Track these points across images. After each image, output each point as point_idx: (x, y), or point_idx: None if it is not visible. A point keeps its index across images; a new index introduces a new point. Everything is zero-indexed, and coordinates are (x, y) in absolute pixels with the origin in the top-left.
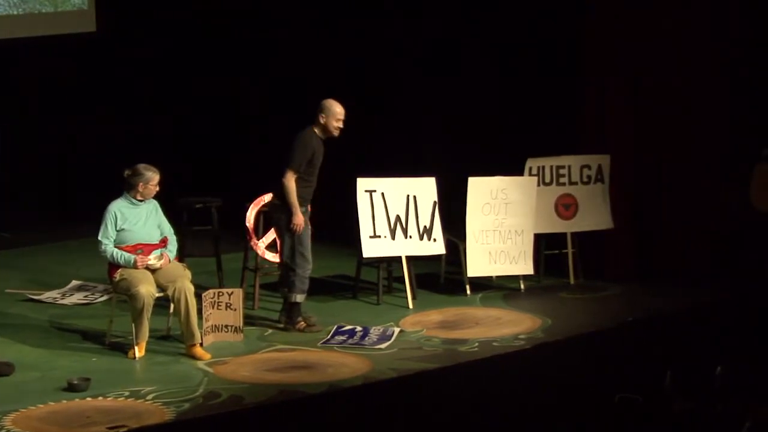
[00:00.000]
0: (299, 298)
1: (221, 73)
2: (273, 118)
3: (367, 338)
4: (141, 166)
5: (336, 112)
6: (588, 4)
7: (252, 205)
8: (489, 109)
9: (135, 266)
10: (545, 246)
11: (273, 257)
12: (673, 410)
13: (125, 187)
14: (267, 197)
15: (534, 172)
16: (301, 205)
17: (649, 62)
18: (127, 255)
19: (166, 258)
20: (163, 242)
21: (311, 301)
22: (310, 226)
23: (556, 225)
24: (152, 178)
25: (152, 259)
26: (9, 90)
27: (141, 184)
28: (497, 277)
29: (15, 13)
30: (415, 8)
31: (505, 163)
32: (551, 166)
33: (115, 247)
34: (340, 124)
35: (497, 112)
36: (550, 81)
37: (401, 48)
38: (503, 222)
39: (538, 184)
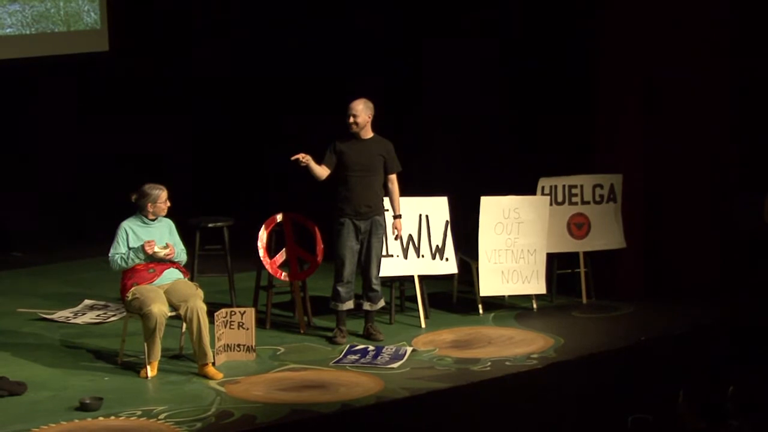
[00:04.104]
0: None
1: (232, 93)
2: (286, 138)
3: (379, 357)
4: (146, 187)
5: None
6: (600, 24)
7: (264, 225)
8: (501, 129)
9: (144, 252)
10: (557, 265)
11: (285, 276)
12: (686, 430)
13: (137, 208)
14: (279, 217)
15: (546, 191)
16: (342, 215)
17: (660, 82)
18: (133, 249)
19: (171, 249)
20: (176, 264)
21: (325, 320)
22: (348, 240)
23: (568, 244)
24: (159, 195)
25: (158, 247)
26: (23, 109)
27: (149, 204)
28: (510, 296)
29: (28, 32)
30: (433, 27)
31: (517, 182)
32: (564, 186)
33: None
34: (349, 119)
35: (509, 132)
36: (563, 101)
37: (415, 66)
38: (516, 241)
39: (551, 204)
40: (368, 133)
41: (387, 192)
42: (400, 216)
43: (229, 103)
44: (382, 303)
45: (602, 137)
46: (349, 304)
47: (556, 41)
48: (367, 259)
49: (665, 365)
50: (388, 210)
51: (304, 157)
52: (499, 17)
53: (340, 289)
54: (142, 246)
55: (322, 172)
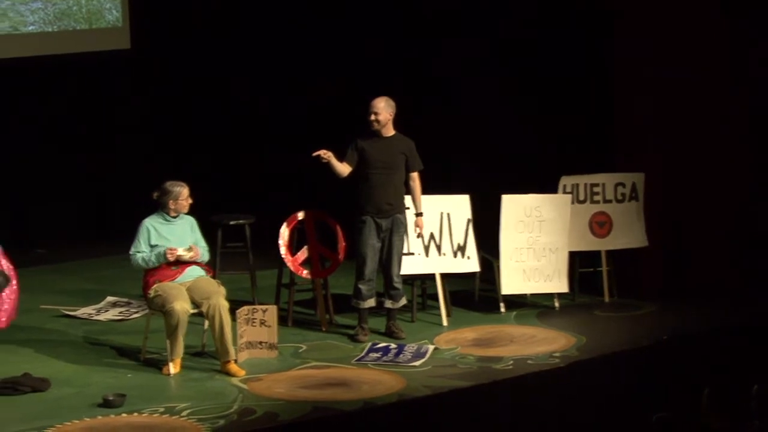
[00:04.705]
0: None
1: (255, 90)
2: (309, 135)
3: (401, 355)
4: (167, 184)
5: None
6: (617, 25)
7: (286, 222)
8: (523, 127)
9: (166, 259)
10: (579, 264)
11: (307, 274)
12: (710, 429)
13: (158, 205)
14: (301, 214)
15: (568, 189)
16: (363, 213)
17: (678, 81)
18: (155, 252)
19: (195, 250)
20: (199, 262)
21: (345, 318)
22: (370, 238)
23: (590, 243)
24: (181, 192)
25: (181, 251)
26: (45, 106)
27: (171, 201)
28: (531, 294)
29: (50, 30)
30: (452, 27)
31: (538, 181)
32: (585, 184)
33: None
34: (370, 117)
35: (531, 130)
36: (583, 99)
37: (436, 66)
38: (537, 240)
39: (573, 202)
40: (390, 131)
41: (409, 190)
42: (421, 214)
43: (250, 100)
44: (403, 301)
45: (623, 136)
46: (371, 302)
47: (577, 40)
48: (389, 257)
49: (688, 364)
50: (409, 208)
51: (326, 154)
52: (518, 16)
53: (361, 287)
54: (164, 252)
55: (344, 169)
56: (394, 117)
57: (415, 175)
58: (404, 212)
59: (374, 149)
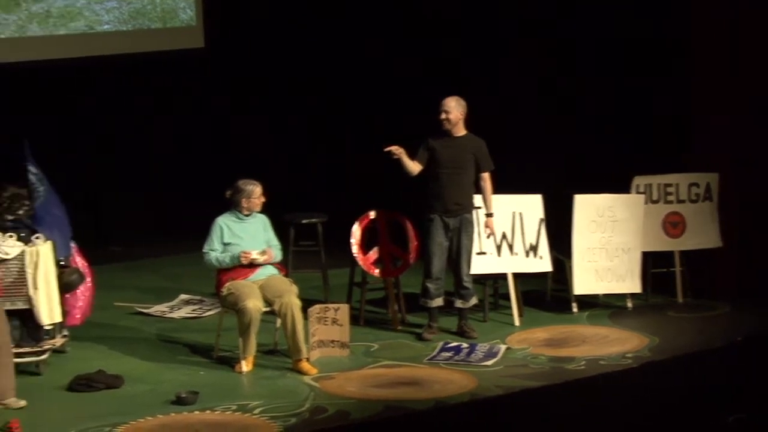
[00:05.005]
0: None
1: (329, 89)
2: (382, 134)
3: (473, 355)
4: (240, 182)
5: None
6: (694, 24)
7: (359, 221)
8: (596, 126)
9: (240, 262)
10: (652, 264)
11: (379, 273)
12: None
13: (231, 204)
14: (373, 213)
15: (641, 189)
16: (431, 211)
17: (754, 82)
18: (230, 253)
19: (269, 253)
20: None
21: (418, 317)
22: (437, 237)
23: (663, 243)
24: (253, 191)
25: (255, 254)
26: (121, 106)
27: (244, 199)
28: (604, 295)
29: (125, 29)
30: (526, 27)
31: (612, 180)
32: (659, 184)
33: None
34: (441, 116)
35: (605, 129)
36: (658, 99)
37: (507, 65)
38: (610, 240)
39: (646, 202)
40: (461, 131)
41: (480, 190)
42: (492, 214)
43: (323, 99)
44: (474, 300)
45: (698, 136)
46: (439, 301)
47: (653, 40)
48: (458, 257)
49: (762, 365)
50: (480, 208)
51: (398, 150)
52: (594, 17)
53: (429, 285)
54: (239, 255)
55: (414, 167)
56: (465, 117)
57: (486, 176)
58: (473, 212)
59: (444, 149)
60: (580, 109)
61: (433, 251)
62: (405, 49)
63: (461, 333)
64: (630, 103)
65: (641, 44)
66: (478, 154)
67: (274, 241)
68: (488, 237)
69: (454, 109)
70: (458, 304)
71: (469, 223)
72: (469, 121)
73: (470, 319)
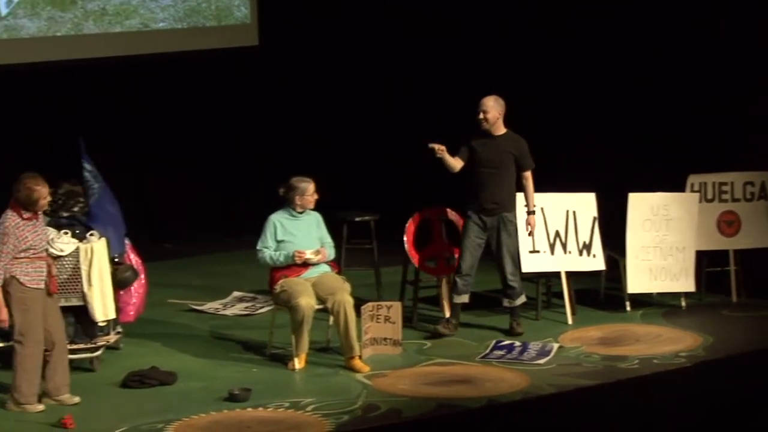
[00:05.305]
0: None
1: (381, 87)
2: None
3: (525, 353)
4: (294, 180)
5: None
6: (750, 23)
7: (412, 219)
8: (651, 124)
9: (293, 261)
10: (707, 263)
11: (431, 271)
12: None
13: (285, 201)
14: (426, 211)
15: (696, 188)
16: (469, 209)
17: None
18: (284, 252)
19: (323, 253)
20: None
21: (470, 315)
22: (471, 234)
23: (718, 242)
24: (307, 188)
25: (309, 253)
26: (175, 104)
27: (297, 196)
28: (658, 293)
29: (180, 27)
30: (583, 26)
31: (666, 179)
32: (713, 183)
33: None
34: (479, 115)
35: (659, 128)
36: (713, 98)
37: (565, 64)
38: (664, 238)
39: (700, 201)
40: (500, 130)
41: (521, 188)
42: (533, 212)
43: (377, 96)
44: (522, 299)
45: (753, 135)
46: (464, 298)
47: (709, 38)
48: (499, 256)
49: None
50: (532, 207)
51: (440, 148)
52: (648, 15)
53: (458, 280)
54: (293, 254)
55: (456, 164)
56: (504, 115)
57: (527, 174)
58: (513, 210)
59: (483, 148)
60: (636, 106)
61: (464, 247)
62: (460, 49)
63: (510, 331)
64: (686, 100)
65: (696, 45)
66: (518, 153)
67: (327, 239)
68: (529, 235)
69: (492, 108)
70: (505, 303)
71: (510, 222)
72: (521, 120)
73: (522, 317)
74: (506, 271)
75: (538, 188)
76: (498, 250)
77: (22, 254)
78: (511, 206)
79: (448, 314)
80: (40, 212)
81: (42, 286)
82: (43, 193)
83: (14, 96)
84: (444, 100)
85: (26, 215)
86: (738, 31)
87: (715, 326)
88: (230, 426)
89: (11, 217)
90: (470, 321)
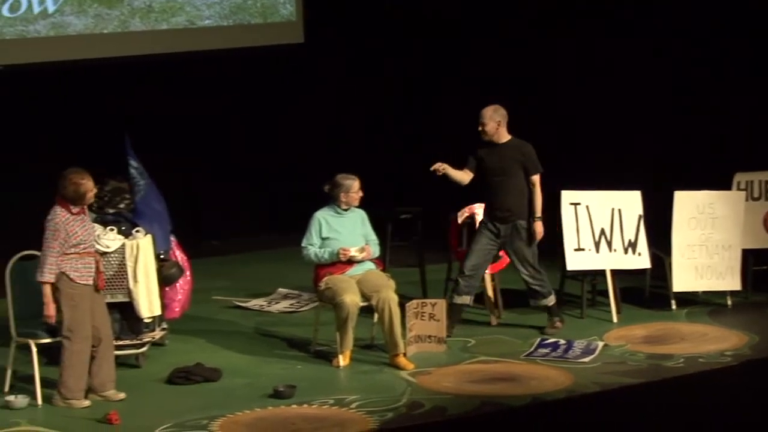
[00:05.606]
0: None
1: (425, 85)
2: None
3: (570, 351)
4: (339, 177)
5: None
6: None
7: (457, 216)
8: (696, 122)
9: (338, 258)
10: (753, 261)
11: None
12: None
13: (330, 198)
14: (471, 208)
15: (742, 186)
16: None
17: None
18: (329, 249)
19: (368, 250)
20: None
21: (514, 313)
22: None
23: (764, 240)
24: (352, 185)
25: (354, 251)
26: (220, 101)
27: (342, 194)
28: (703, 292)
29: (225, 24)
30: (627, 26)
31: (712, 177)
32: (760, 181)
33: None
34: (479, 127)
35: (705, 125)
36: (759, 96)
37: (610, 64)
38: (710, 237)
39: (747, 199)
40: (503, 138)
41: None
42: (539, 218)
43: (420, 94)
44: (547, 301)
45: None
46: (466, 299)
47: (751, 35)
48: (514, 263)
49: None
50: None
51: (440, 167)
52: (695, 16)
53: (459, 280)
54: (337, 252)
55: (463, 176)
56: (505, 123)
57: (533, 179)
58: (526, 218)
59: (489, 157)
60: (681, 104)
61: (472, 250)
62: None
63: (544, 329)
64: (731, 98)
65: (744, 38)
66: (523, 159)
67: (372, 236)
68: (530, 244)
69: (489, 119)
70: (531, 303)
71: (523, 230)
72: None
73: (567, 315)
74: (523, 275)
75: (584, 185)
76: (514, 257)
77: (72, 250)
78: (524, 213)
79: (492, 312)
80: (86, 207)
81: (91, 282)
82: (89, 186)
83: (60, 93)
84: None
85: (75, 210)
86: None
87: (761, 325)
88: (275, 423)
89: (60, 212)
90: (514, 319)
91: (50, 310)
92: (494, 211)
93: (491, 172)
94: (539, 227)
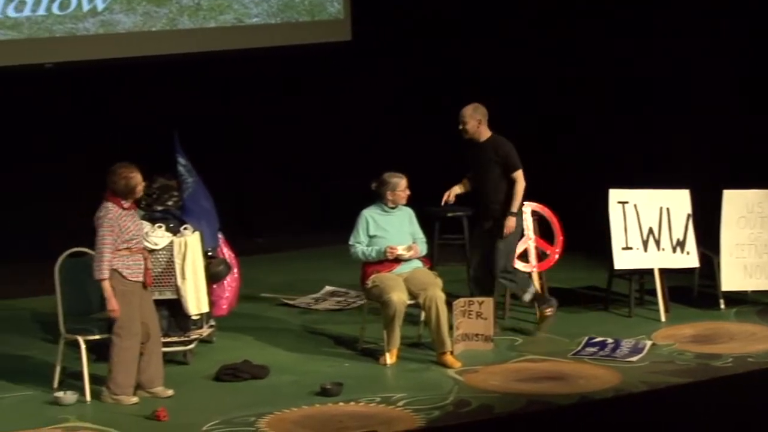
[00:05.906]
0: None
1: (473, 83)
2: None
3: (618, 350)
4: (386, 175)
5: None
6: None
7: None
8: (748, 121)
9: (385, 256)
10: None
11: (524, 267)
12: None
13: (377, 196)
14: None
15: None
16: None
17: None
18: (376, 247)
19: (415, 249)
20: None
21: (560, 311)
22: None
23: None
24: (398, 184)
25: (401, 249)
26: (268, 99)
27: (389, 192)
28: (753, 291)
29: (273, 22)
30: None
31: (762, 176)
32: None
33: None
34: (459, 126)
35: (757, 124)
36: None
37: (656, 60)
38: (759, 236)
39: None
40: (483, 136)
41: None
42: (512, 214)
43: (467, 94)
44: (525, 296)
45: None
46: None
47: None
48: (492, 254)
49: None
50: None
51: (447, 195)
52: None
53: (471, 284)
54: (385, 250)
55: (466, 183)
56: (484, 121)
57: (515, 175)
58: (503, 214)
59: (471, 155)
60: (729, 103)
61: (468, 252)
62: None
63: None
64: None
65: None
66: (500, 157)
67: (419, 235)
68: (503, 237)
69: (469, 117)
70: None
71: (498, 226)
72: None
73: (615, 314)
74: (495, 269)
75: (632, 184)
76: (491, 250)
77: (124, 245)
78: (501, 209)
79: (537, 308)
80: (135, 203)
81: (141, 279)
82: (138, 179)
83: (109, 90)
84: (539, 96)
85: (126, 205)
86: None
87: None
88: (322, 420)
89: (112, 208)
90: (561, 318)
91: (113, 304)
92: (478, 208)
93: (474, 170)
94: (510, 222)
